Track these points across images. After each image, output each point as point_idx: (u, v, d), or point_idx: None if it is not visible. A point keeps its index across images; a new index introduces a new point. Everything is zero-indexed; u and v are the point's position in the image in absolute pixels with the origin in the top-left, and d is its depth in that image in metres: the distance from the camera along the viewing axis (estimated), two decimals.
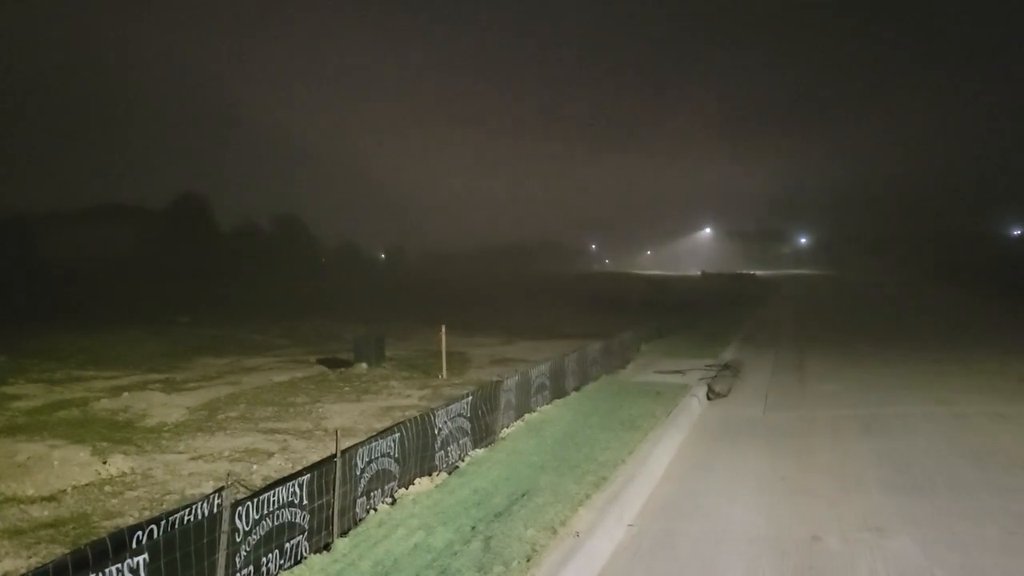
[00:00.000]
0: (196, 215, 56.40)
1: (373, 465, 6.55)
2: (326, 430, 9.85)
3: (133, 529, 4.33)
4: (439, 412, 7.93)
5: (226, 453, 8.84)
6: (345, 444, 6.33)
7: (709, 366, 15.72)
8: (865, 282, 66.40)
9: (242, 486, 7.03)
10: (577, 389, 12.58)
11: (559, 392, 11.84)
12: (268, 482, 5.91)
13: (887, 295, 47.24)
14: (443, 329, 14.64)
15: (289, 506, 5.40)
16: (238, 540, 4.89)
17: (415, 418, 7.62)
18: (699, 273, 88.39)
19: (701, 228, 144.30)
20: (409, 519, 6.26)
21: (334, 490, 5.84)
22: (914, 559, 5.70)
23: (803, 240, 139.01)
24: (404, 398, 12.30)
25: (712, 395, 12.98)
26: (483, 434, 8.85)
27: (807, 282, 72.01)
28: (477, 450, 8.56)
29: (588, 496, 6.94)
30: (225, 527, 4.76)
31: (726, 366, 16.05)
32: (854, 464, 8.49)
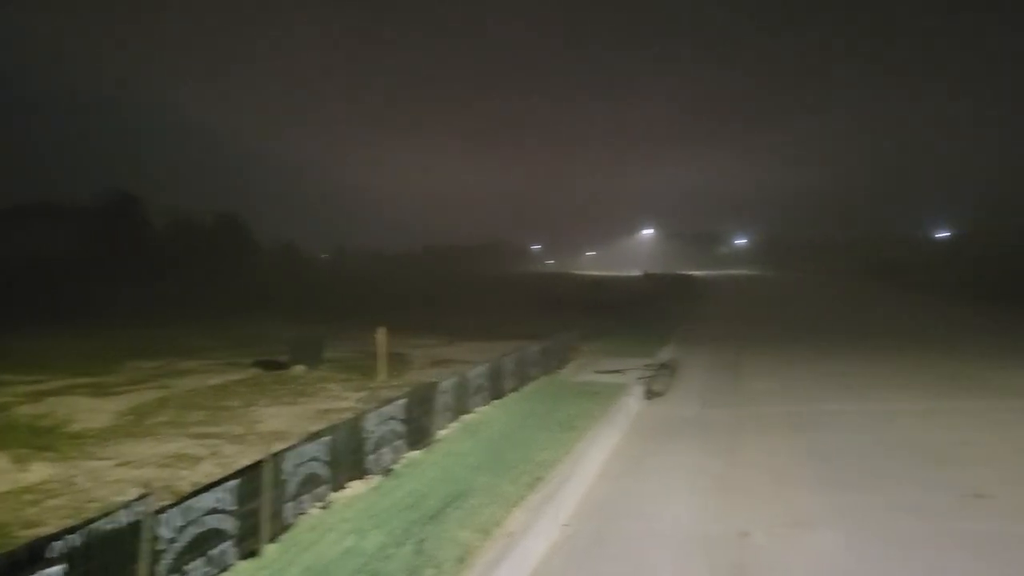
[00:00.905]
0: (128, 213, 54.76)
1: (303, 469, 6.45)
2: (259, 434, 9.67)
3: (51, 538, 4.18)
4: (371, 415, 7.85)
5: (154, 459, 8.60)
6: (277, 448, 6.23)
7: (647, 365, 15.89)
8: (800, 281, 68.05)
9: (168, 492, 6.88)
10: (516, 390, 12.59)
11: (497, 393, 11.84)
12: (196, 488, 5.77)
13: (821, 294, 48.44)
14: (382, 331, 14.51)
15: (216, 512, 5.28)
16: (161, 548, 4.76)
17: (347, 421, 7.54)
18: (640, 273, 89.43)
19: (643, 229, 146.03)
20: (341, 523, 6.18)
21: (263, 495, 5.74)
22: (836, 552, 5.85)
23: (741, 241, 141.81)
24: (341, 401, 12.14)
25: (650, 394, 13.12)
26: (419, 436, 8.79)
27: (745, 282, 73.47)
28: (412, 452, 8.50)
29: (523, 497, 6.95)
30: (147, 535, 4.63)
31: (664, 365, 16.25)
32: (783, 460, 8.68)
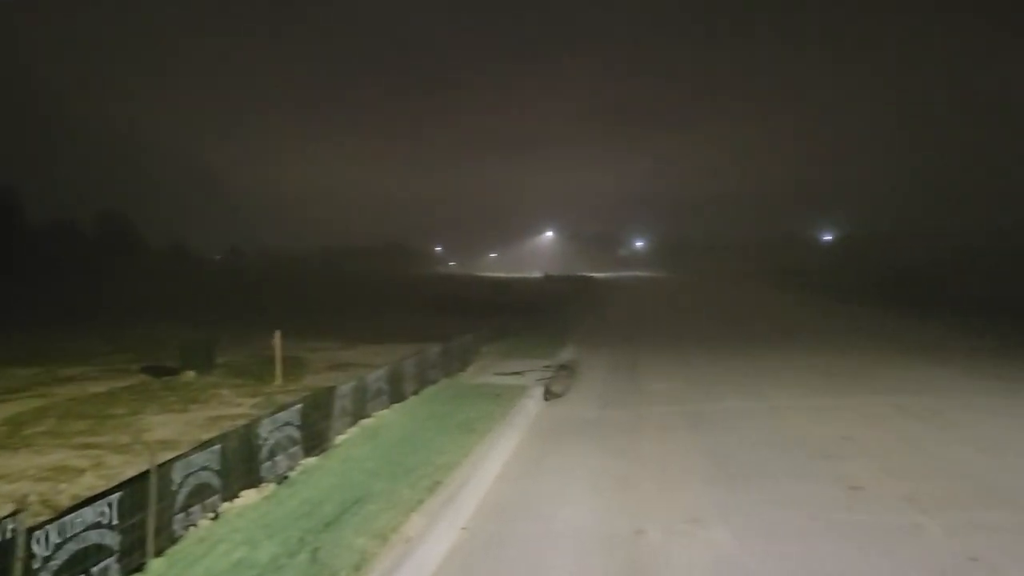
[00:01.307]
0: (2, 210, 51.66)
1: (193, 479, 6.22)
2: (146, 443, 9.27)
3: None
4: (265, 421, 7.65)
5: (31, 472, 8.13)
6: (165, 457, 5.99)
7: (547, 367, 16.06)
8: (695, 283, 70.17)
9: (46, 507, 6.52)
10: (416, 393, 12.51)
11: (397, 396, 11.73)
12: (76, 502, 5.48)
13: (716, 295, 50.04)
14: (278, 334, 14.16)
15: (97, 527, 5.03)
16: (36, 567, 4.50)
17: (240, 428, 7.33)
18: (541, 275, 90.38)
19: (544, 231, 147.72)
20: (232, 534, 5.99)
21: (149, 508, 5.50)
22: (727, 546, 6.05)
23: (640, 243, 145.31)
24: (234, 407, 11.78)
25: (549, 396, 13.26)
26: (315, 442, 8.62)
27: (643, 283, 75.23)
28: (309, 459, 8.32)
29: (422, 501, 6.90)
30: (20, 553, 4.38)
31: (563, 366, 16.46)
32: (678, 459, 8.92)
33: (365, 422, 10.24)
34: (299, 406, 8.38)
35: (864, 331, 24.02)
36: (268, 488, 7.26)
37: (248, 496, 6.95)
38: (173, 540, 5.83)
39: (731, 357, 18.00)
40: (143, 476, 5.52)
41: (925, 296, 36.39)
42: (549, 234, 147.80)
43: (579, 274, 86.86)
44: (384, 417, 10.70)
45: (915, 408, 11.27)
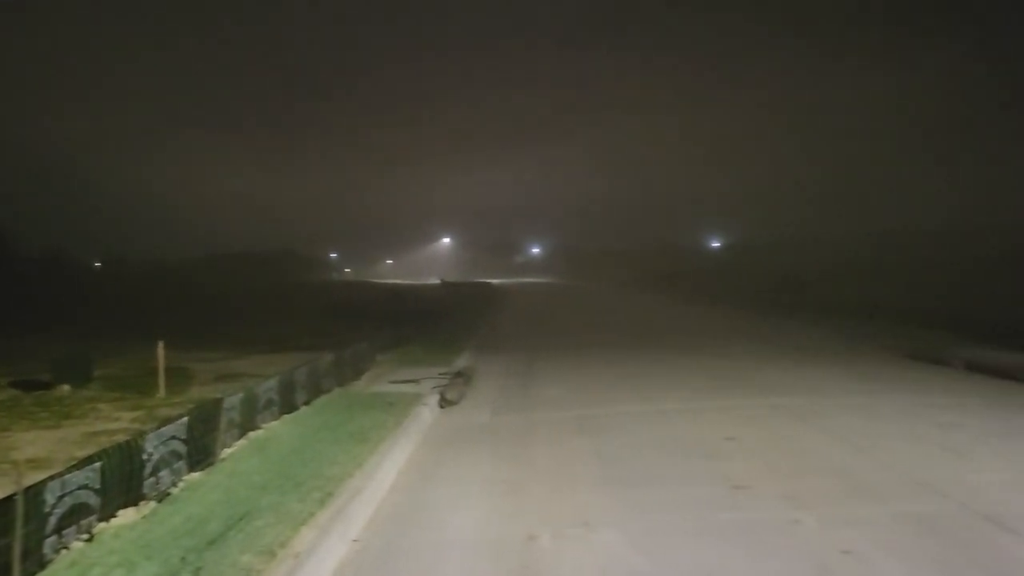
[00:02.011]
0: None
1: (68, 499, 5.91)
2: (14, 463, 8.73)
3: None
4: (149, 436, 7.35)
5: None
6: (33, 478, 5.66)
7: (443, 374, 16.01)
8: (590, 288, 71.37)
9: None
10: (308, 403, 12.25)
11: (288, 407, 11.46)
12: None
13: (609, 300, 51.03)
14: (161, 344, 13.61)
15: None
16: None
17: (120, 444, 7.01)
18: (438, 282, 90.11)
19: (441, 238, 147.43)
20: (107, 556, 5.72)
21: (15, 532, 5.19)
22: (617, 548, 6.18)
23: (536, 250, 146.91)
24: (113, 422, 11.26)
25: (444, 403, 13.22)
26: (201, 456, 8.33)
27: (539, 289, 75.99)
28: (193, 474, 8.03)
29: (312, 514, 6.77)
30: None
31: (459, 373, 16.45)
32: (569, 463, 9.04)
33: (254, 434, 9.96)
34: (184, 419, 8.08)
35: (748, 335, 24.97)
36: (149, 506, 6.96)
37: (127, 515, 6.65)
38: (43, 564, 5.52)
39: (622, 361, 18.38)
40: (9, 499, 5.20)
41: (804, 301, 38.16)
42: (446, 240, 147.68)
43: (476, 280, 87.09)
44: (274, 429, 10.43)
45: (792, 408, 11.80)
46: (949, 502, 7.09)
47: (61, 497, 5.84)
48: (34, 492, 5.53)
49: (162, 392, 13.41)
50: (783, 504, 7.17)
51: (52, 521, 5.71)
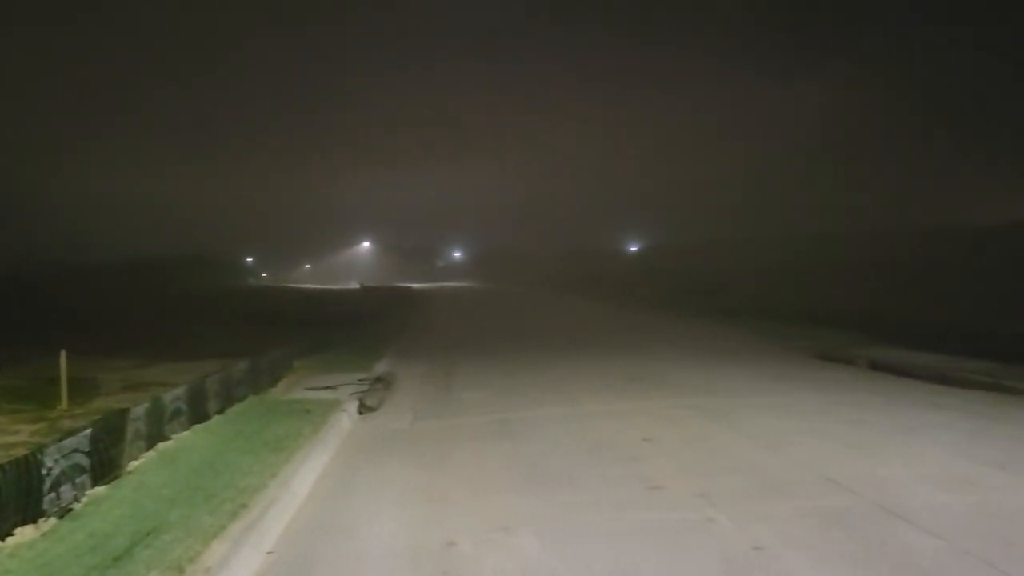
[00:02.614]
0: None
1: None
2: None
3: None
4: (49, 449, 7.01)
5: None
6: None
7: (362, 380, 15.79)
8: (512, 292, 71.61)
9: None
10: (220, 412, 11.90)
11: (199, 416, 11.11)
12: None
13: (530, 304, 51.26)
14: (63, 353, 13.01)
15: None
16: None
17: (18, 458, 6.67)
18: (358, 286, 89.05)
19: (360, 242, 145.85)
20: None
21: None
22: (535, 552, 6.20)
23: (458, 254, 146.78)
24: (11, 435, 10.69)
25: (363, 409, 13.04)
26: (106, 469, 7.99)
27: (460, 293, 75.81)
28: (98, 488, 7.70)
29: (224, 527, 6.56)
30: None
31: (379, 379, 16.26)
32: (491, 467, 9.03)
33: (163, 446, 9.62)
34: (88, 431, 7.74)
35: (667, 336, 25.45)
36: (49, 523, 6.63)
37: (24, 533, 6.32)
38: None
39: (543, 364, 18.49)
40: None
41: (722, 303, 39.12)
42: (366, 244, 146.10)
43: (397, 285, 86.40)
44: (185, 439, 10.09)
45: (708, 409, 12.06)
46: (855, 497, 7.34)
47: None
48: None
49: (64, 403, 12.82)
50: (698, 503, 7.31)
51: None
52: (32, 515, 6.60)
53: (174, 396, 10.36)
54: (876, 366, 16.30)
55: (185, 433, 10.36)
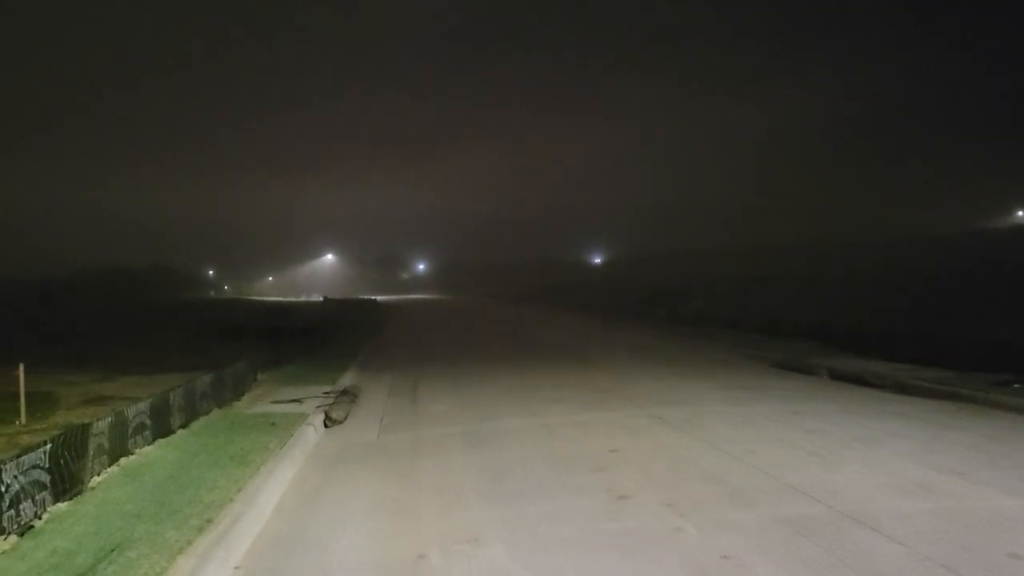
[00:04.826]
0: None
1: None
2: None
3: None
4: (8, 465, 6.88)
5: None
6: None
7: (327, 393, 15.69)
8: (476, 304, 71.64)
9: None
10: (185, 426, 11.75)
11: (163, 431, 10.96)
12: None
13: (495, 315, 51.36)
14: (21, 367, 12.75)
15: None
16: None
17: None
18: (321, 299, 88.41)
19: (323, 254, 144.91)
20: None
21: None
22: (504, 563, 6.22)
23: (422, 266, 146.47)
24: None
25: (329, 422, 12.96)
26: (67, 485, 7.85)
27: (425, 305, 75.67)
28: (59, 504, 7.57)
29: (190, 542, 6.49)
30: None
31: (344, 392, 16.16)
32: (459, 479, 9.04)
33: (126, 461, 9.47)
34: (48, 447, 7.61)
35: (630, 347, 25.66)
36: (10, 540, 6.51)
37: None
38: None
39: (507, 376, 18.52)
40: None
41: (683, 313, 39.53)
42: (329, 257, 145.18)
43: (361, 297, 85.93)
44: (149, 454, 9.95)
45: (673, 419, 12.19)
46: (818, 505, 7.48)
47: None
48: None
49: (23, 419, 12.55)
50: (664, 512, 7.40)
51: None
52: (3, 529, 6.47)
53: (137, 410, 10.21)
54: (836, 376, 16.61)
55: (149, 448, 10.22)
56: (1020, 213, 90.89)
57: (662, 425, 11.80)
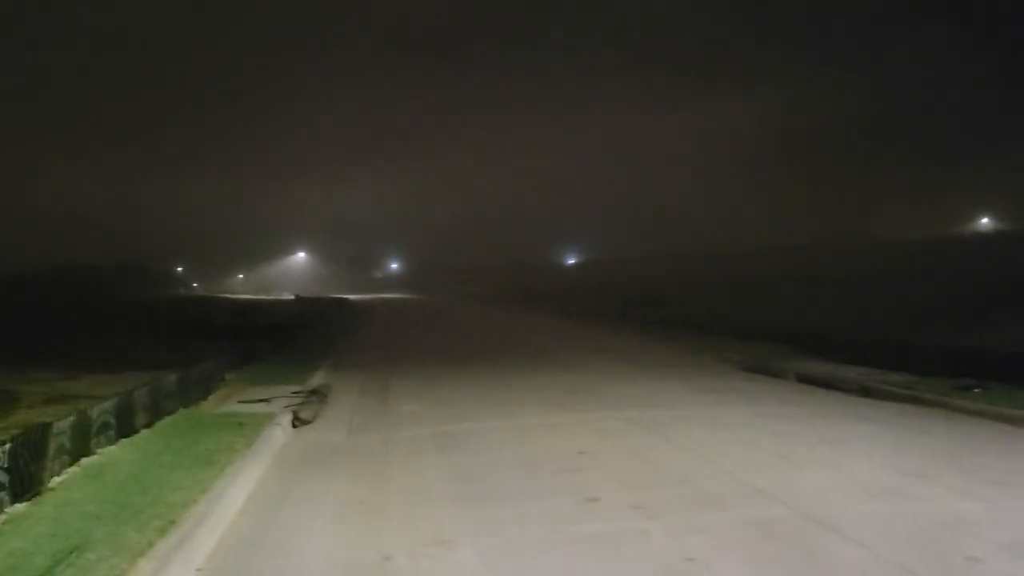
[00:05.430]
0: None
1: None
2: None
3: None
4: None
5: None
6: None
7: (296, 392, 15.55)
8: (448, 304, 71.46)
9: None
10: (149, 426, 11.57)
11: (127, 431, 10.79)
12: None
13: (467, 316, 51.26)
14: None
15: None
16: None
17: None
18: (292, 297, 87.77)
19: (295, 252, 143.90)
20: None
21: None
22: (473, 566, 6.20)
23: (395, 265, 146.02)
24: None
25: (298, 422, 12.86)
26: (26, 486, 7.70)
27: (398, 305, 75.34)
28: (18, 505, 7.42)
29: (152, 544, 6.38)
30: None
31: (314, 391, 16.04)
32: (427, 481, 9.01)
33: (88, 461, 9.31)
34: (7, 446, 7.46)
35: (603, 349, 25.73)
36: None
37: None
38: None
39: (480, 377, 18.49)
40: None
41: (656, 316, 39.72)
42: (301, 255, 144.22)
43: (333, 296, 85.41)
44: (111, 454, 9.79)
45: (644, 421, 12.22)
46: (784, 507, 7.53)
47: None
48: None
49: None
50: (632, 514, 7.41)
51: None
52: None
53: (101, 410, 10.05)
54: (803, 379, 16.77)
55: (112, 448, 10.05)
56: (984, 220, 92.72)
57: (632, 427, 11.82)
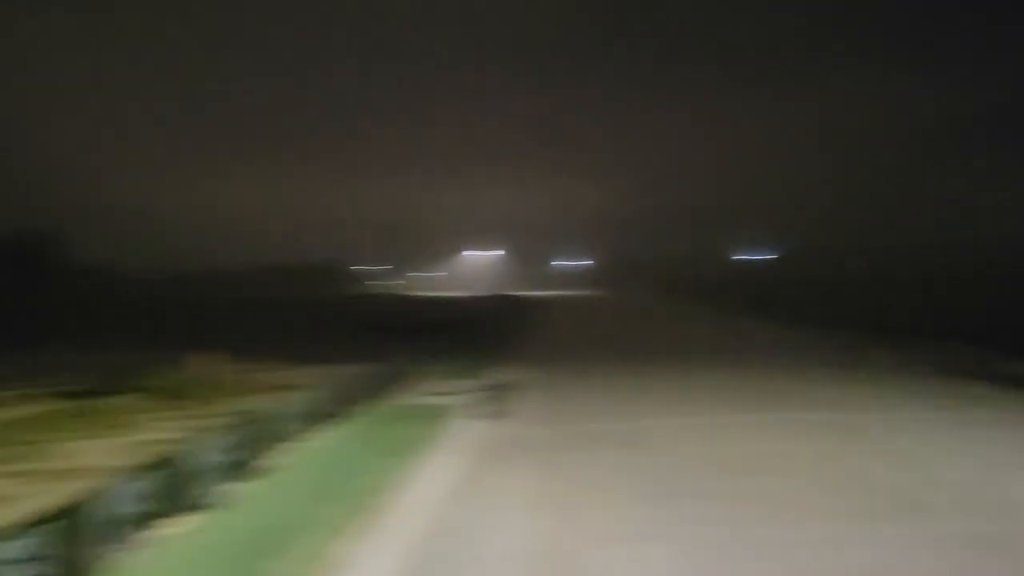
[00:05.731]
0: None
1: (127, 508, 6.13)
2: (76, 470, 8.97)
3: None
4: (201, 446, 7.55)
5: None
6: (94, 486, 5.87)
7: (486, 386, 15.96)
8: (634, 300, 70.56)
9: None
10: (354, 415, 12.38)
11: (334, 419, 11.61)
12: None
13: (650, 313, 50.46)
14: (214, 356, 13.87)
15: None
16: None
17: (174, 455, 7.24)
18: (488, 294, 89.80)
19: (494, 249, 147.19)
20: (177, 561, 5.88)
21: (82, 538, 5.38)
22: (664, 563, 6.18)
23: (582, 262, 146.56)
24: (165, 431, 11.49)
25: (486, 415, 13.21)
26: (252, 466, 8.50)
27: (583, 302, 75.23)
28: (244, 483, 8.19)
29: (364, 524, 6.88)
30: None
31: (502, 386, 16.39)
32: (614, 478, 8.98)
33: (301, 445, 10.12)
34: (236, 430, 8.28)
35: (791, 350, 24.57)
36: (203, 515, 7.13)
37: (185, 522, 6.84)
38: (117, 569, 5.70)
39: (667, 375, 18.27)
40: (75, 507, 5.41)
41: (840, 312, 37.03)
42: (488, 253, 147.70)
43: (518, 293, 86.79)
44: (321, 440, 10.58)
45: (839, 424, 11.67)
46: (1004, 522, 6.98)
47: (118, 505, 6.07)
48: (97, 502, 5.72)
49: (214, 403, 13.60)
50: (829, 521, 7.11)
51: (110, 529, 5.92)
52: (189, 507, 7.11)
53: (312, 399, 10.86)
54: (1017, 382, 15.23)
55: (321, 434, 10.85)
56: None
57: (829, 429, 11.34)
